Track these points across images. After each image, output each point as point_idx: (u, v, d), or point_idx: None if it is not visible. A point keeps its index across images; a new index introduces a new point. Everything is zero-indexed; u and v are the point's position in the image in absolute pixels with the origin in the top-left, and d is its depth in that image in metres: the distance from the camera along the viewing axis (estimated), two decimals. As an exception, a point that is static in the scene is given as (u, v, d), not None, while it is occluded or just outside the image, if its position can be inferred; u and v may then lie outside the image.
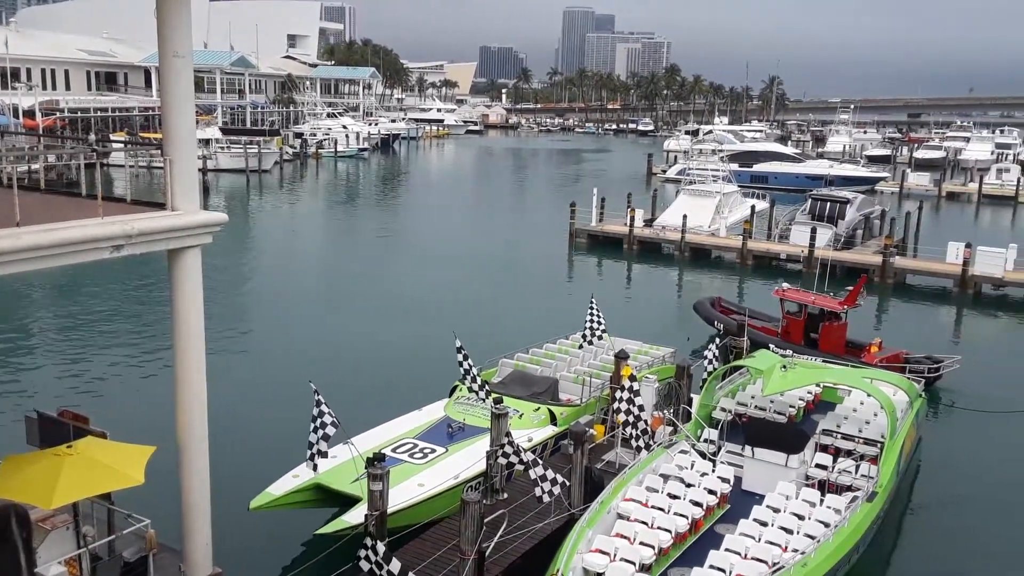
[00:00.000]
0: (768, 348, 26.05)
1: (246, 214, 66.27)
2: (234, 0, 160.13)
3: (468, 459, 18.55)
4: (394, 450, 18.79)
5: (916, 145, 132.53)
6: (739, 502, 17.73)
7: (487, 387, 20.67)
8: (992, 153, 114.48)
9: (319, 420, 16.09)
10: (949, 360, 27.63)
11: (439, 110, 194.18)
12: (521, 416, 20.73)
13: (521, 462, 16.11)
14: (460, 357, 20.27)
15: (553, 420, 21.16)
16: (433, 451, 19.01)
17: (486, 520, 15.16)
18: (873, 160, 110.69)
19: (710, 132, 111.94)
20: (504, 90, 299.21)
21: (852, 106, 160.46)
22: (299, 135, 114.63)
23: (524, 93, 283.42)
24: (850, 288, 30.34)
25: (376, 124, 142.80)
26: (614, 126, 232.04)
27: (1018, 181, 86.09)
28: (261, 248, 54.31)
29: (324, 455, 16.36)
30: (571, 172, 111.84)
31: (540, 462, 16.17)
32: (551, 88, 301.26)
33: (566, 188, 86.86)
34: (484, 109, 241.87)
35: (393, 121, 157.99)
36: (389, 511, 15.33)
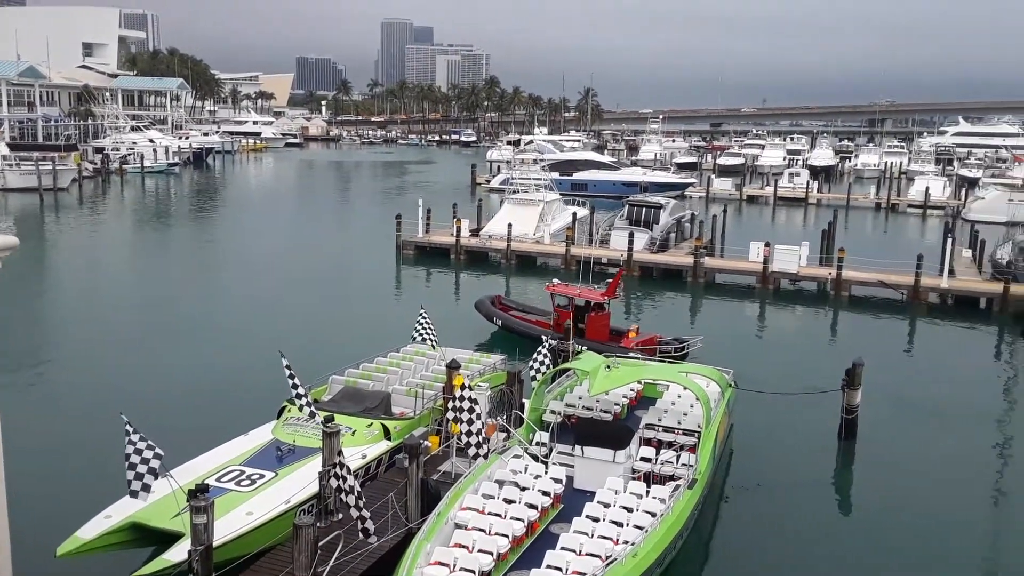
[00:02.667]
0: (543, 340, 28.78)
1: (41, 237, 61.10)
2: (22, 6, 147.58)
3: (300, 482, 17.97)
4: (218, 479, 17.89)
5: (719, 153, 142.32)
6: (572, 501, 18.25)
7: (313, 407, 20.06)
8: (784, 159, 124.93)
9: (136, 454, 15.04)
10: (693, 340, 30.73)
11: (255, 122, 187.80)
12: (354, 433, 20.34)
13: (347, 493, 15.41)
14: (288, 376, 19.59)
15: (387, 435, 20.90)
16: (261, 477, 18.26)
17: (320, 544, 14.74)
18: (682, 167, 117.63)
19: (531, 142, 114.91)
20: (324, 102, 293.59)
21: (661, 116, 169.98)
22: (100, 150, 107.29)
23: (344, 105, 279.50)
24: (610, 280, 33.19)
25: (187, 138, 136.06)
26: (437, 137, 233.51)
27: (807, 184, 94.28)
28: (60, 274, 50.23)
29: (148, 489, 15.32)
30: (396, 184, 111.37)
31: (359, 502, 15.35)
32: (372, 100, 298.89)
33: (391, 200, 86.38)
34: (304, 121, 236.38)
35: (206, 134, 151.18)
36: (215, 544, 14.58)
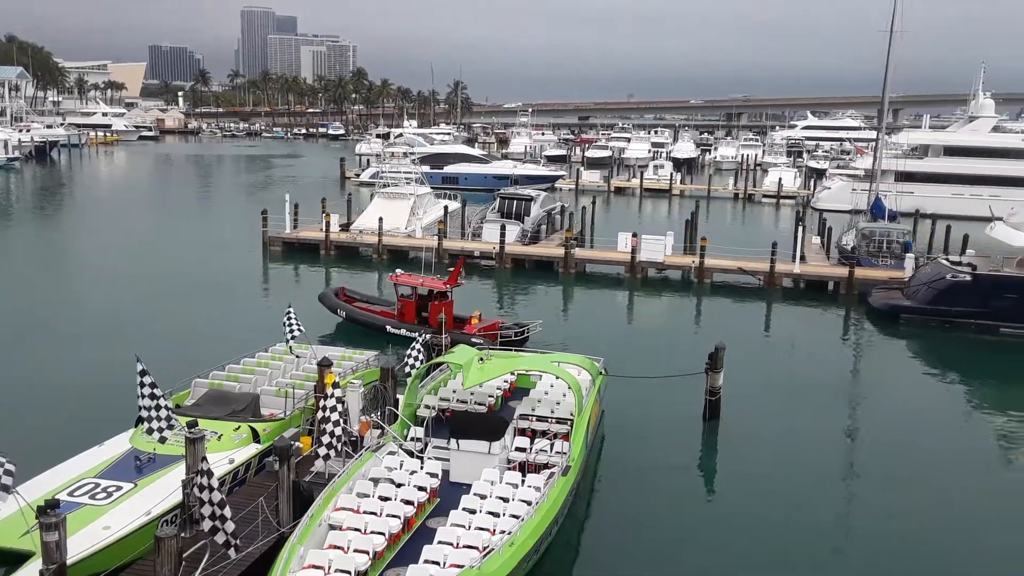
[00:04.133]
0: (386, 329, 31.29)
1: None
2: None
3: (161, 492, 17.13)
4: (71, 493, 16.81)
5: (587, 145, 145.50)
6: (448, 494, 18.23)
7: (172, 412, 18.92)
8: (649, 151, 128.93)
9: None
10: (533, 324, 32.04)
11: (105, 114, 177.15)
12: (220, 438, 19.56)
13: (208, 504, 14.47)
14: (139, 384, 18.35)
15: (256, 438, 20.22)
16: (119, 488, 17.28)
17: (185, 555, 14.09)
18: (551, 160, 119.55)
19: (401, 135, 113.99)
20: (180, 93, 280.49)
21: (530, 110, 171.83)
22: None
23: (203, 96, 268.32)
24: (450, 269, 33.90)
25: (28, 130, 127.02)
26: (304, 130, 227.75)
27: (671, 176, 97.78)
28: None
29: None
30: (261, 178, 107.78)
31: (222, 513, 14.53)
32: (233, 91, 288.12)
33: (256, 195, 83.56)
34: (159, 113, 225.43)
35: (49, 127, 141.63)
36: (69, 562, 13.69)
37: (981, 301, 37.09)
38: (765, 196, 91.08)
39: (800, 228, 48.14)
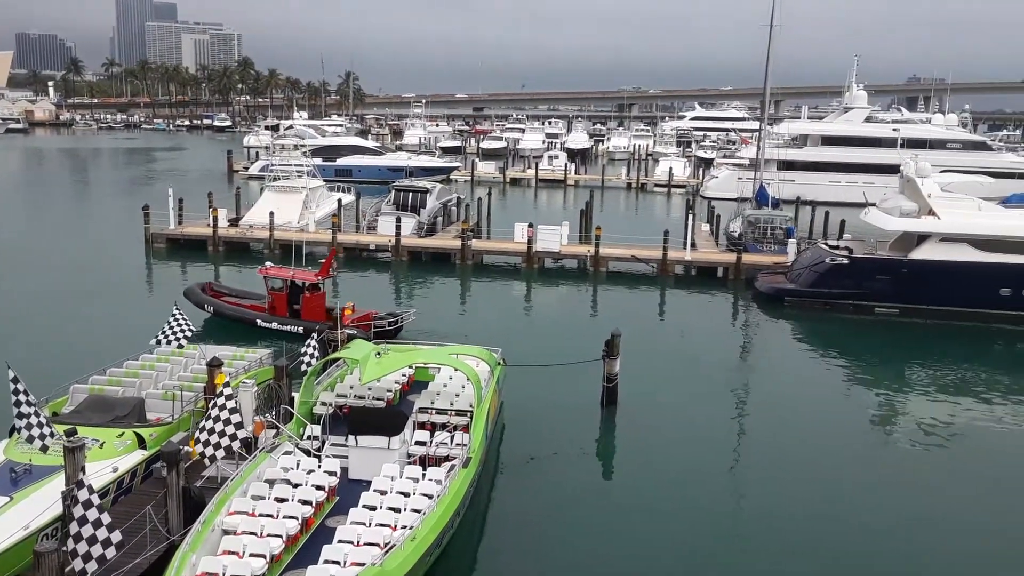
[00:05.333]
0: (256, 323, 31.49)
1: None
2: None
3: (40, 504, 16.14)
4: (-63, 512, 15.65)
5: (482, 137, 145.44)
6: (347, 492, 17.92)
7: (47, 420, 17.86)
8: (544, 142, 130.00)
9: None
10: (407, 314, 32.56)
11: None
12: (102, 445, 18.60)
13: (82, 522, 13.55)
14: (15, 391, 17.32)
15: (142, 443, 19.32)
16: (-8, 503, 16.20)
17: (67, 570, 13.31)
18: (446, 151, 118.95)
19: (291, 127, 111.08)
20: (51, 83, 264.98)
21: (424, 101, 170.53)
22: None
23: (77, 86, 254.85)
24: (320, 261, 33.98)
25: None
26: (187, 122, 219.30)
27: (566, 166, 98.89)
28: None
29: None
30: (142, 172, 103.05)
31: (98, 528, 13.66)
32: (109, 81, 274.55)
33: (137, 190, 79.85)
34: (28, 104, 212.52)
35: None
36: (-66, 586, 12.74)
37: (857, 283, 39.09)
38: (657, 185, 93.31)
39: (690, 216, 49.56)
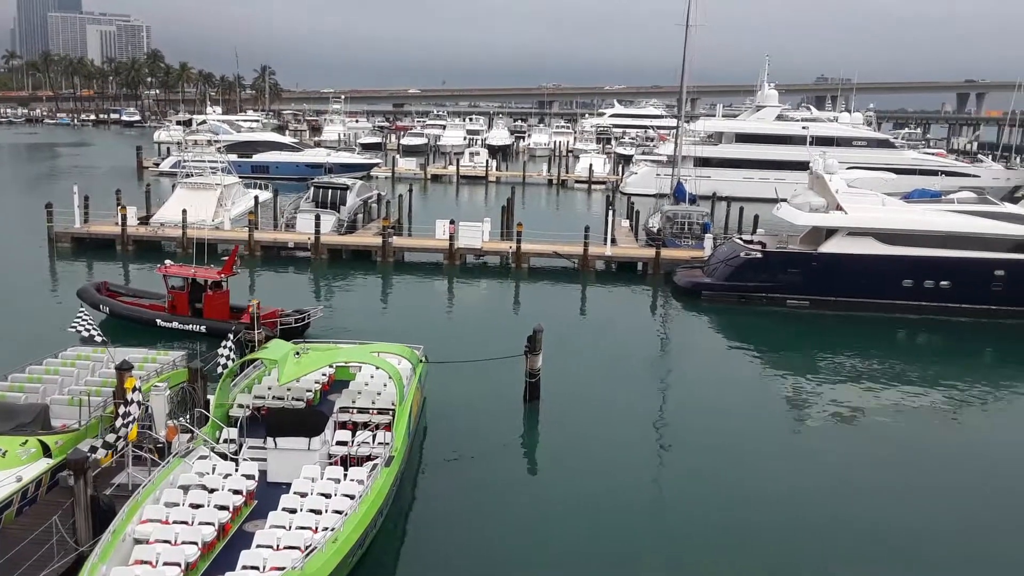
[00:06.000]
0: (156, 323, 31.09)
1: None
2: None
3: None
4: None
5: (402, 133, 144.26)
6: (266, 496, 17.54)
7: None
8: (465, 139, 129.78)
9: None
10: (314, 310, 32.35)
11: None
12: (4, 454, 17.74)
13: None
14: None
15: (47, 452, 18.48)
16: None
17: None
18: (367, 147, 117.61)
19: (204, 122, 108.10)
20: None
21: (343, 97, 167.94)
22: None
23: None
24: (225, 258, 33.49)
25: None
26: (94, 116, 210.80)
27: (487, 163, 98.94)
28: None
29: None
30: (45, 169, 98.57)
31: None
32: (9, 74, 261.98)
33: (40, 187, 76.36)
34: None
35: None
36: None
37: (770, 276, 40.27)
38: (577, 182, 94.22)
39: (610, 212, 50.19)
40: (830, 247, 39.79)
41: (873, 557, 18.34)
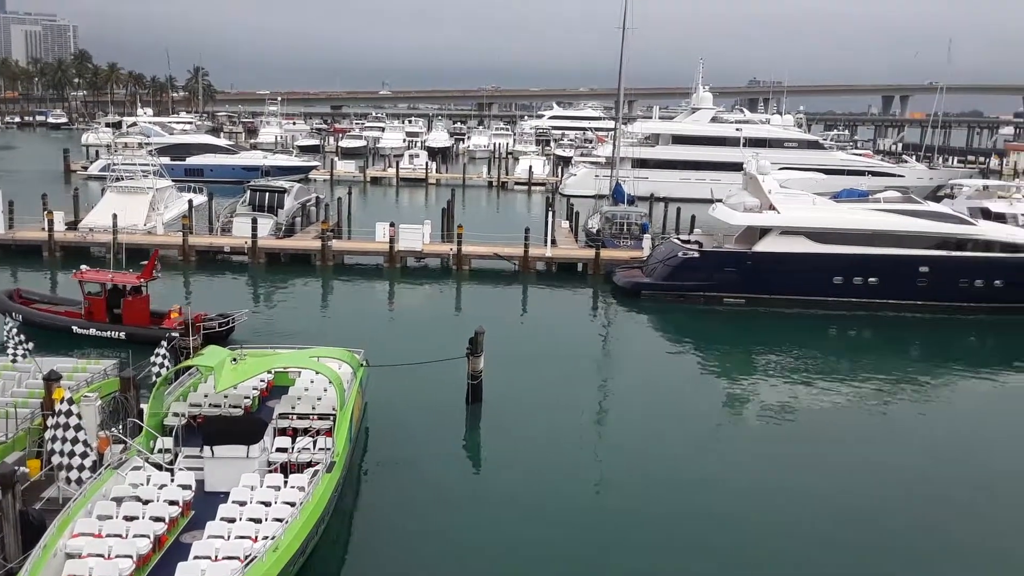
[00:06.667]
0: (72, 330, 30.41)
1: None
2: None
3: None
4: None
5: (341, 135, 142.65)
6: (204, 505, 17.20)
7: None
8: (404, 141, 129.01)
9: None
10: (239, 314, 31.87)
11: None
12: (-76, 471, 17.01)
13: None
14: None
15: (-29, 466, 17.79)
16: None
17: None
18: (304, 150, 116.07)
19: (134, 124, 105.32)
20: None
21: (280, 98, 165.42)
22: None
23: None
24: (146, 263, 32.85)
25: None
26: (18, 118, 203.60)
27: (427, 165, 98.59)
28: None
29: None
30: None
31: None
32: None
33: (-37, 192, 73.44)
34: None
35: None
36: None
37: (707, 275, 41.04)
38: (517, 184, 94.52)
39: (550, 213, 50.52)
40: (764, 246, 40.73)
41: (808, 546, 18.84)
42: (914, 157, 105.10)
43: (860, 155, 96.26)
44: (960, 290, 40.36)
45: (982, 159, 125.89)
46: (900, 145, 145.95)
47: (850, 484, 22.02)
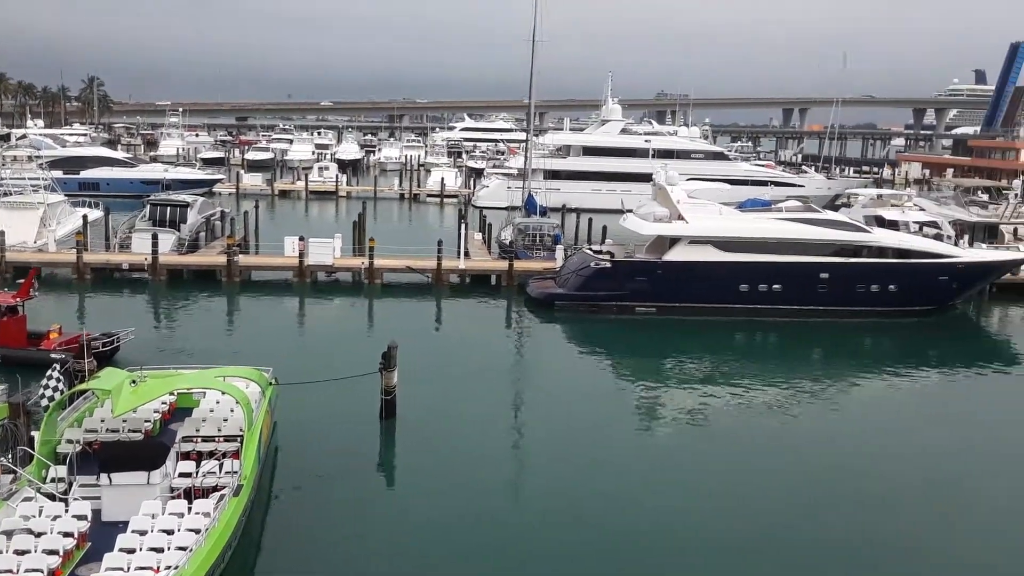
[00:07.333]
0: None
1: None
2: None
3: None
4: None
5: (247, 147, 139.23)
6: (101, 536, 16.31)
7: None
8: (313, 153, 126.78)
9: None
10: (124, 332, 30.77)
11: None
12: None
13: None
14: None
15: None
16: None
17: None
18: (208, 162, 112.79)
19: (24, 137, 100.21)
20: None
21: (181, 109, 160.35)
22: None
23: None
24: (22, 280, 31.74)
25: None
26: None
27: (337, 178, 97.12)
28: None
29: None
30: None
31: None
32: None
33: None
34: None
35: None
36: None
37: (619, 285, 41.58)
38: (429, 196, 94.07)
39: (463, 225, 50.36)
40: (674, 255, 41.55)
41: (723, 551, 19.13)
42: (813, 168, 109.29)
43: (763, 166, 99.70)
44: (857, 295, 42.06)
45: (876, 169, 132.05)
46: (800, 156, 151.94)
47: (762, 486, 22.53)
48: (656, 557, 18.76)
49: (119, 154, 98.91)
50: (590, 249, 45.51)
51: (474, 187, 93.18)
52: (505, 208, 67.38)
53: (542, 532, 19.61)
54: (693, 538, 19.65)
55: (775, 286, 41.51)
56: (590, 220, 58.62)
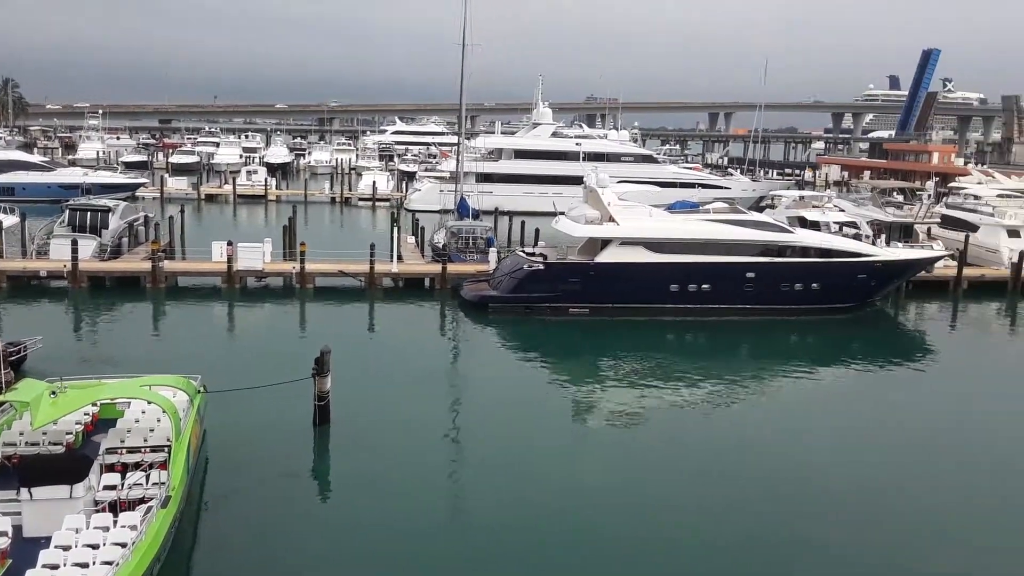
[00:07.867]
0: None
1: None
2: None
3: None
4: None
5: (171, 151, 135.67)
6: (22, 553, 15.72)
7: None
8: (241, 157, 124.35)
9: None
10: (31, 341, 29.64)
11: None
12: None
13: None
14: None
15: None
16: None
17: None
18: (131, 166, 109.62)
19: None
20: None
21: (101, 111, 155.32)
22: None
23: None
24: None
25: None
26: None
27: (265, 181, 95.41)
28: None
29: None
30: None
31: None
32: None
33: None
34: None
35: None
36: None
37: (553, 286, 41.89)
38: (361, 199, 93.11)
39: (396, 229, 50.05)
40: (605, 257, 42.06)
41: (658, 549, 19.46)
42: (739, 170, 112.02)
43: (690, 168, 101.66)
44: (782, 294, 43.26)
45: (798, 172, 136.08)
46: (726, 159, 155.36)
47: (692, 484, 22.99)
48: (589, 559, 18.96)
49: (35, 158, 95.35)
50: (523, 251, 45.73)
51: (406, 191, 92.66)
52: (438, 211, 67.24)
53: (478, 537, 19.65)
54: (625, 538, 19.92)
55: (704, 286, 42.39)
56: (523, 223, 58.90)
